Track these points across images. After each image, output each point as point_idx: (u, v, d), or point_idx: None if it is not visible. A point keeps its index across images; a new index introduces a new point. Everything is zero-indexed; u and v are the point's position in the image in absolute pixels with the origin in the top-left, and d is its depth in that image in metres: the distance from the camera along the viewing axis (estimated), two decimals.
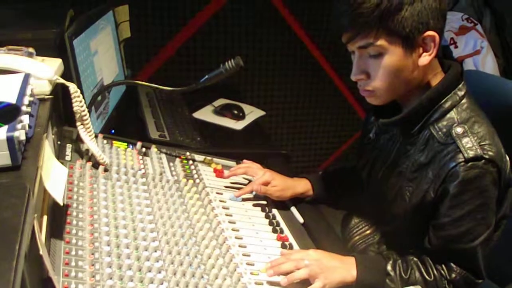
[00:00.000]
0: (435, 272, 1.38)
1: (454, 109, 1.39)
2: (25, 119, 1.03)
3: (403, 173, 1.47)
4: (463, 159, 1.30)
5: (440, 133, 1.38)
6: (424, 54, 1.35)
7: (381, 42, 1.32)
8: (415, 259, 1.41)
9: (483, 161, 1.30)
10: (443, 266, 1.39)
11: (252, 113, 2.50)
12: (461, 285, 1.39)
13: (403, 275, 1.37)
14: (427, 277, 1.37)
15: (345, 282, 1.33)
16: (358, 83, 1.44)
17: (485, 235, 1.35)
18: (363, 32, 1.33)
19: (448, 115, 1.39)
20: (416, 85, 1.41)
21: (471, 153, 1.30)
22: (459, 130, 1.35)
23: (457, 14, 3.41)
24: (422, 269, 1.39)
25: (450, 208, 1.34)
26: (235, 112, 2.42)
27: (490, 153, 1.31)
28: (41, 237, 0.92)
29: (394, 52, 1.33)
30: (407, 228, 1.50)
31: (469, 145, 1.32)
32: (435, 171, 1.36)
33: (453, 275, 1.38)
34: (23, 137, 0.99)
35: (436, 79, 1.42)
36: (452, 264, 1.38)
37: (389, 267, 1.38)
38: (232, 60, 1.54)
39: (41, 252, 0.86)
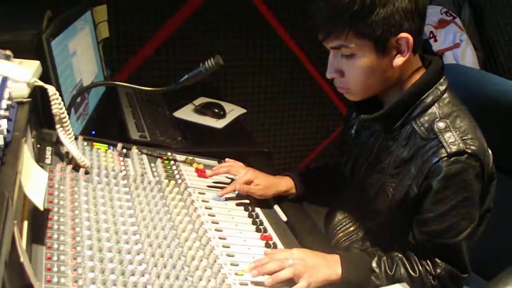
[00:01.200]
0: (420, 268, 1.38)
1: (435, 104, 1.39)
2: (3, 123, 1.01)
3: (386, 169, 1.47)
4: (445, 154, 1.31)
5: (422, 128, 1.38)
6: (398, 55, 1.36)
7: (352, 43, 1.33)
8: (400, 255, 1.41)
9: (465, 155, 1.31)
10: (428, 261, 1.39)
11: (233, 111, 2.49)
12: (447, 280, 1.39)
13: (388, 271, 1.37)
14: (412, 273, 1.38)
15: (330, 280, 1.33)
16: (334, 81, 1.45)
17: (469, 230, 1.36)
18: (335, 33, 1.33)
19: (430, 110, 1.39)
20: (393, 83, 1.42)
21: (453, 148, 1.31)
22: (441, 125, 1.35)
23: (436, 7, 3.43)
24: (407, 265, 1.39)
25: (433, 203, 1.34)
26: (216, 110, 2.41)
27: (472, 147, 1.32)
28: (22, 243, 0.91)
29: (366, 54, 1.34)
30: (391, 224, 1.50)
31: (451, 140, 1.32)
32: (418, 166, 1.37)
33: (438, 270, 1.38)
34: (1, 142, 0.98)
35: (417, 74, 1.42)
36: (437, 259, 1.38)
37: (374, 264, 1.38)
38: (212, 59, 1.53)
39: (21, 260, 0.85)
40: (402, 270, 1.38)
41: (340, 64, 1.40)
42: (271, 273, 1.26)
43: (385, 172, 1.47)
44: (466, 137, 1.33)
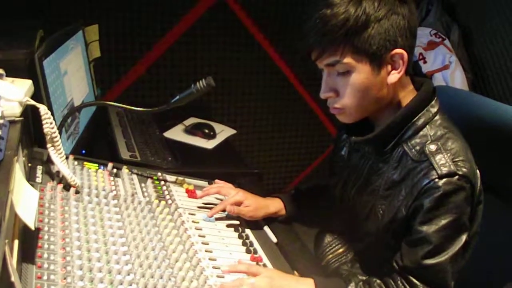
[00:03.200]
0: None
1: (427, 126, 1.41)
2: None
3: (376, 191, 1.48)
4: (436, 176, 1.32)
5: (413, 150, 1.39)
6: (393, 72, 1.37)
7: (348, 59, 1.34)
8: (378, 281, 1.40)
9: (456, 177, 1.32)
10: (407, 285, 1.37)
11: (223, 132, 2.50)
12: None
13: None
14: None
15: None
16: (327, 101, 1.45)
17: (453, 251, 1.35)
18: (329, 50, 1.35)
19: (421, 132, 1.40)
20: (386, 103, 1.43)
21: (444, 170, 1.32)
22: (432, 147, 1.36)
23: (425, 29, 3.46)
24: None
25: (422, 224, 1.34)
26: (206, 131, 2.41)
27: (463, 169, 1.33)
28: (13, 262, 0.91)
29: (362, 70, 1.35)
30: (380, 246, 1.50)
31: (442, 162, 1.33)
32: (408, 188, 1.37)
33: None
34: None
35: (408, 97, 1.44)
36: (417, 282, 1.36)
37: None
38: (204, 80, 1.54)
39: (12, 279, 0.84)
40: None
41: (334, 83, 1.40)
42: None
43: (376, 194, 1.48)
44: (457, 159, 1.34)
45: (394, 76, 1.37)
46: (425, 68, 3.39)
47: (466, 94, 2.23)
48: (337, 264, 1.66)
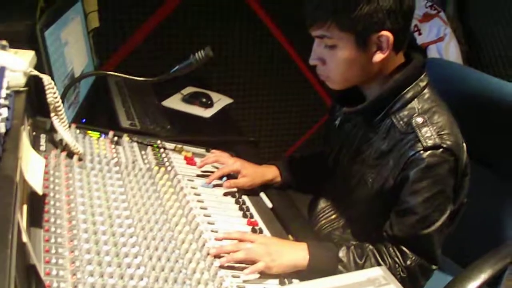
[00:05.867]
0: (389, 259, 1.41)
1: (415, 99, 1.45)
2: (4, 112, 1.06)
3: (366, 160, 1.52)
4: (421, 148, 1.36)
5: (401, 122, 1.44)
6: (378, 52, 1.41)
7: (334, 35, 1.40)
8: (370, 246, 1.44)
9: (441, 149, 1.36)
10: (398, 253, 1.42)
11: (220, 101, 2.53)
12: (416, 271, 1.43)
13: (358, 260, 1.40)
14: (382, 263, 1.40)
15: (297, 266, 1.35)
16: (316, 67, 1.51)
17: (440, 222, 1.40)
18: (319, 23, 1.40)
19: (409, 105, 1.45)
20: (373, 76, 1.47)
21: (429, 142, 1.36)
22: (419, 120, 1.41)
23: (421, 1, 3.47)
24: (377, 256, 1.42)
25: (408, 195, 1.40)
26: (203, 100, 2.45)
27: (448, 142, 1.37)
28: (23, 225, 0.96)
29: (346, 47, 1.40)
30: (370, 213, 1.55)
31: (427, 135, 1.38)
32: (396, 159, 1.42)
33: (408, 262, 1.41)
34: (3, 130, 1.02)
35: (398, 70, 1.47)
36: (407, 251, 1.42)
37: (341, 254, 1.40)
38: (202, 51, 1.58)
39: (24, 240, 0.90)
40: (373, 260, 1.41)
41: (322, 53, 1.46)
42: (228, 253, 1.30)
43: (365, 163, 1.53)
44: (442, 132, 1.38)
45: (378, 56, 1.41)
46: (420, 40, 3.41)
47: (458, 67, 2.26)
48: (330, 230, 1.70)
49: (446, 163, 1.37)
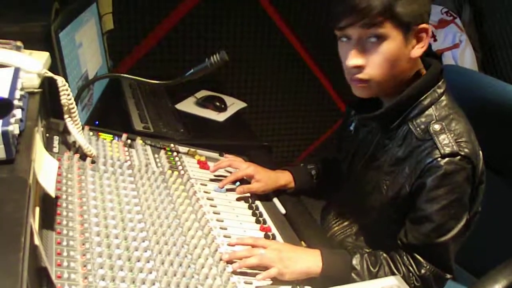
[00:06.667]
0: (403, 268, 1.40)
1: (433, 106, 1.43)
2: (18, 113, 1.05)
3: (381, 167, 1.51)
4: (439, 155, 1.34)
5: (418, 129, 1.42)
6: (417, 46, 1.39)
7: (385, 25, 1.33)
8: (384, 254, 1.43)
9: (458, 157, 1.34)
10: (413, 262, 1.40)
11: (234, 105, 2.53)
12: (430, 281, 1.41)
13: (371, 268, 1.38)
14: (396, 272, 1.39)
15: (310, 273, 1.34)
16: (349, 72, 1.42)
17: (456, 230, 1.38)
18: (369, 14, 1.32)
19: (426, 112, 1.43)
20: (401, 80, 1.44)
21: (447, 149, 1.34)
22: (436, 127, 1.39)
23: (436, 7, 3.45)
24: (391, 265, 1.40)
25: (424, 202, 1.38)
26: (217, 104, 2.44)
27: (466, 150, 1.35)
28: (36, 228, 0.95)
29: (395, 39, 1.35)
30: (384, 221, 1.53)
31: (445, 142, 1.36)
32: (412, 166, 1.40)
33: (423, 271, 1.40)
34: (17, 131, 1.02)
35: (417, 76, 1.45)
36: (421, 260, 1.40)
37: (354, 261, 1.39)
38: (217, 55, 1.57)
39: (36, 242, 0.89)
40: (386, 269, 1.39)
41: (364, 50, 1.38)
42: (240, 259, 1.29)
43: (381, 169, 1.51)
44: (460, 140, 1.36)
45: (418, 51, 1.39)
46: (435, 46, 3.40)
47: (474, 74, 2.24)
48: (342, 237, 1.69)
49: (464, 171, 1.35)
